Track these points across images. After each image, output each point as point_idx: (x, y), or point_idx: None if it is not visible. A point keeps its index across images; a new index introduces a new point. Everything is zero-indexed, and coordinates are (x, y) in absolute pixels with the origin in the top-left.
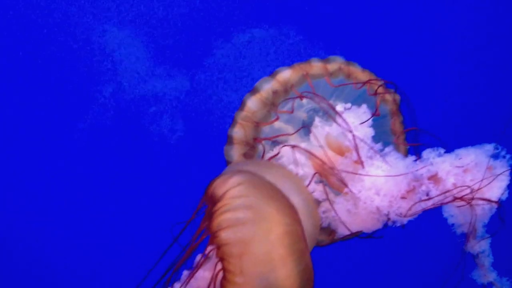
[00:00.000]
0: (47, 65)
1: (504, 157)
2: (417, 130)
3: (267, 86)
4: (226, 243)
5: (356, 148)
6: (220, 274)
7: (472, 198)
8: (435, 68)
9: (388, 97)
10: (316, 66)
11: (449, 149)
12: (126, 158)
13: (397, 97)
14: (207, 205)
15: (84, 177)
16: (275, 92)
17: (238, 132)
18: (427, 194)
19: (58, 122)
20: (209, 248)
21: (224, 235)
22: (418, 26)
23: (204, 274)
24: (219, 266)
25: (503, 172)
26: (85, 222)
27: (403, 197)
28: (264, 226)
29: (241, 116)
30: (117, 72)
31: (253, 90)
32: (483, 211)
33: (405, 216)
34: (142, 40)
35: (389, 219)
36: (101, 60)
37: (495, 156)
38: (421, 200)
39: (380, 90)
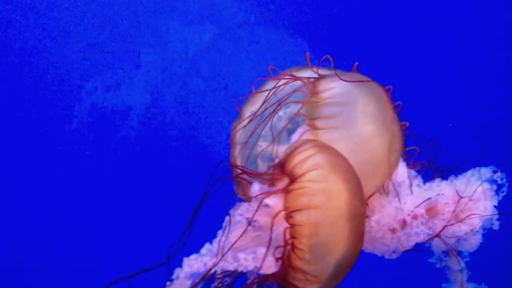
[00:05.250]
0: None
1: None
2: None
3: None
4: (300, 225)
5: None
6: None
7: (438, 234)
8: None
9: (297, 82)
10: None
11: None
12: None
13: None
14: (278, 174)
15: (137, 148)
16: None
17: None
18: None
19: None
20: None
21: (299, 218)
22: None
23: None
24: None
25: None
26: (131, 199)
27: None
28: (337, 211)
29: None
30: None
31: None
32: (459, 240)
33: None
34: None
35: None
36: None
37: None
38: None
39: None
